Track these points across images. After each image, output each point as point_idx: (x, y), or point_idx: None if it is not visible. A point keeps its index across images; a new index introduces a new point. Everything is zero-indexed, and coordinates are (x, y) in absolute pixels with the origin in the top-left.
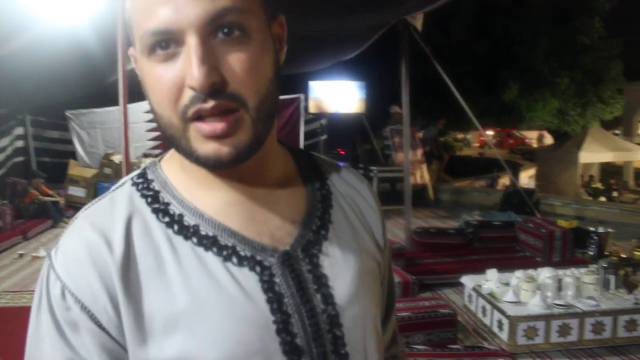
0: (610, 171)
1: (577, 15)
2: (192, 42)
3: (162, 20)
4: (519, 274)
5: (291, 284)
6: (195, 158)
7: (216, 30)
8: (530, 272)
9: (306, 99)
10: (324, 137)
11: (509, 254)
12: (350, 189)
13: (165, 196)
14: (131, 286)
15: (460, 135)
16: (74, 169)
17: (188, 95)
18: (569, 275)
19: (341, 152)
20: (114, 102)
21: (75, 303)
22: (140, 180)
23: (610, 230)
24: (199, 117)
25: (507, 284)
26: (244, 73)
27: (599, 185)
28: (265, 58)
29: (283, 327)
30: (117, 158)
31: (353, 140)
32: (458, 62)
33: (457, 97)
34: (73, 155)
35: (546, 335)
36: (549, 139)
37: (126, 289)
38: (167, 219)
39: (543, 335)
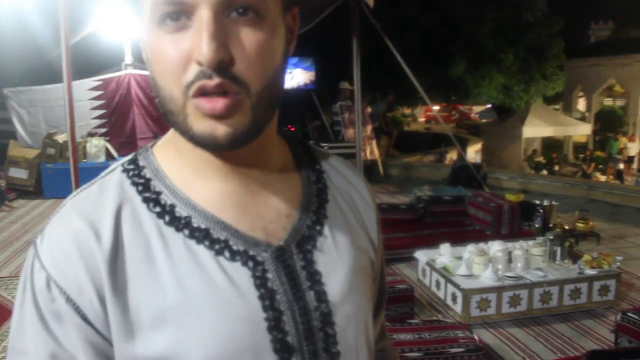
0: (551, 145)
1: None
2: (204, 16)
3: None
4: (471, 247)
5: (284, 281)
6: (190, 136)
7: (230, 8)
8: (482, 245)
9: None
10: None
11: (459, 228)
12: (347, 183)
13: (156, 185)
14: (119, 279)
15: (407, 111)
16: (14, 150)
17: (194, 70)
18: (518, 248)
19: (291, 128)
20: (56, 80)
21: (60, 294)
22: (131, 166)
23: (555, 202)
24: (201, 93)
25: (459, 258)
26: (253, 56)
27: (541, 159)
28: (276, 45)
29: (274, 324)
30: (60, 138)
31: (303, 116)
32: (406, 37)
33: (407, 73)
34: (13, 135)
35: (498, 306)
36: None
37: (114, 282)
38: (158, 209)
39: (495, 306)
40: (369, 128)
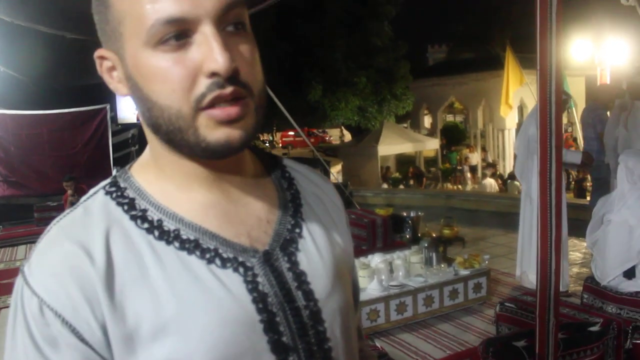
0: (403, 161)
1: (369, 20)
2: (208, 31)
3: (178, 7)
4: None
5: (273, 283)
6: (203, 147)
7: (224, 23)
8: (363, 259)
9: (114, 109)
10: (135, 147)
11: None
12: (316, 188)
13: (140, 203)
14: (116, 296)
15: (264, 137)
16: None
17: (204, 82)
18: (397, 257)
19: None
20: None
21: (55, 318)
22: (113, 189)
23: (421, 213)
24: (214, 104)
25: None
26: (250, 65)
27: (397, 175)
28: (257, 52)
29: (269, 325)
30: None
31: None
32: (264, 63)
33: (273, 98)
34: None
35: (386, 315)
36: (348, 136)
37: (111, 300)
38: (146, 225)
39: (384, 315)
40: None
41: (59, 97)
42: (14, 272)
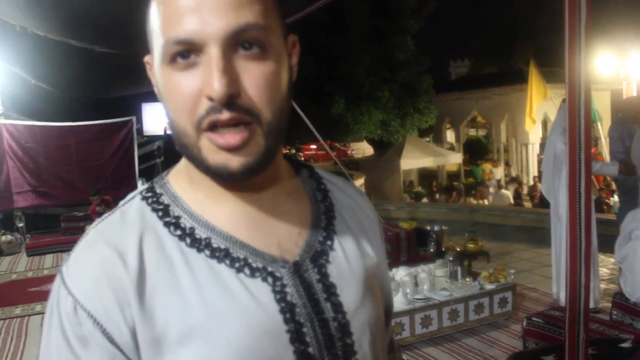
0: (425, 175)
1: (392, 34)
2: (213, 54)
3: (187, 30)
4: None
5: (302, 294)
6: (205, 167)
7: (237, 44)
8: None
9: (140, 121)
10: (160, 159)
11: None
12: (351, 201)
13: (175, 210)
14: (147, 300)
15: (286, 150)
16: None
17: (204, 105)
18: (422, 271)
19: None
20: None
21: (87, 318)
22: (149, 194)
23: (445, 227)
24: (213, 127)
25: None
26: (260, 88)
27: (419, 189)
28: (281, 75)
29: (296, 336)
30: None
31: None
32: None
33: (298, 111)
34: None
35: (411, 328)
36: (370, 150)
37: (141, 304)
38: (179, 232)
39: (409, 329)
40: None
41: (86, 109)
42: (41, 281)
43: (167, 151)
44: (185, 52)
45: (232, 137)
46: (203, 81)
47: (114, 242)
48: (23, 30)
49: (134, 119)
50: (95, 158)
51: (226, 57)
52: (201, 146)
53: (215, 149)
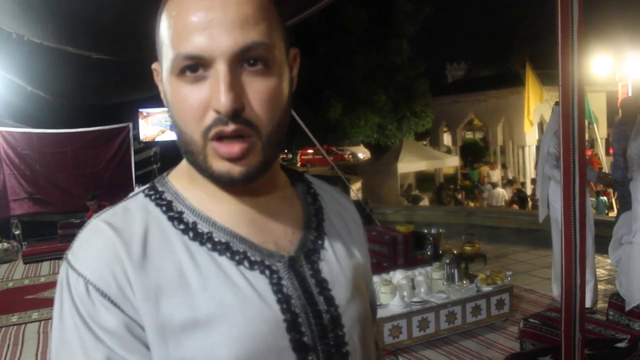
0: (423, 178)
1: (389, 38)
2: (221, 70)
3: (196, 46)
4: (375, 279)
5: (297, 287)
6: (209, 174)
7: (243, 61)
8: (385, 275)
9: (136, 128)
10: (157, 165)
11: None
12: (339, 205)
13: (177, 206)
14: (149, 288)
15: (283, 156)
16: None
17: (211, 117)
18: (419, 274)
19: None
20: None
21: (100, 296)
22: (152, 192)
23: (442, 230)
24: (218, 137)
25: None
26: (263, 103)
27: (417, 192)
28: (282, 89)
29: (292, 325)
30: None
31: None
32: None
33: (295, 117)
34: None
35: (409, 331)
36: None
37: (142, 289)
38: (182, 226)
39: (406, 332)
40: None
41: (83, 116)
42: (38, 288)
43: (164, 157)
44: (194, 66)
45: (234, 148)
46: (210, 94)
47: (119, 227)
48: (19, 37)
49: (131, 125)
50: (91, 165)
51: (232, 73)
52: (207, 154)
53: (218, 157)
